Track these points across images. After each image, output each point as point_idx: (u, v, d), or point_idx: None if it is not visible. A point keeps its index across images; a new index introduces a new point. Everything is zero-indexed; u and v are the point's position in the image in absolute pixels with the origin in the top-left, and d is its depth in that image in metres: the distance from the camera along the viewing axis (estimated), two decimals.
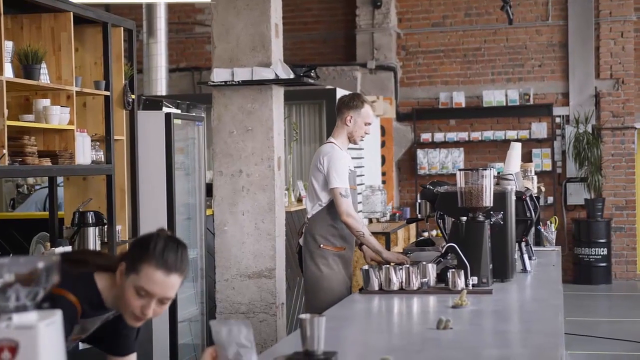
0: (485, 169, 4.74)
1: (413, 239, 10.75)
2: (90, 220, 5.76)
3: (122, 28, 6.26)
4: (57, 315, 1.88)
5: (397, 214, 11.20)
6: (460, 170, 4.79)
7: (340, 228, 5.48)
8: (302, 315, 2.94)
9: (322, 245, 5.51)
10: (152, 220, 6.56)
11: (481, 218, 4.71)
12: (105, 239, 5.96)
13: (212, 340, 2.56)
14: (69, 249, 5.61)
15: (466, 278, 4.52)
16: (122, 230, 6.21)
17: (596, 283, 12.84)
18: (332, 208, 5.45)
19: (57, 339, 1.88)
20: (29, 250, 6.10)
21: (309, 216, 5.60)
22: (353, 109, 5.57)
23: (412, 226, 11.49)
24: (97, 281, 2.87)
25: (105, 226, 5.94)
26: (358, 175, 10.65)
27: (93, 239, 5.76)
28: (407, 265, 4.60)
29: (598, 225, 12.93)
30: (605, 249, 12.91)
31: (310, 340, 2.93)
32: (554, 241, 6.82)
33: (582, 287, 12.69)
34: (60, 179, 6.46)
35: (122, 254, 2.89)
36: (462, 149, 13.57)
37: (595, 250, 12.88)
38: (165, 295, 2.78)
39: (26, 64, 5.12)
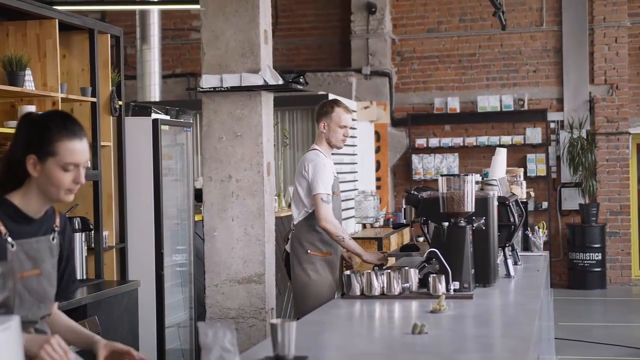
0: (467, 175, 4.74)
1: None
2: (77, 226, 5.76)
3: (109, 35, 6.28)
4: (13, 321, 1.90)
5: (392, 219, 11.20)
6: (442, 175, 4.79)
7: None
8: (273, 320, 2.98)
9: (309, 251, 5.55)
10: (140, 225, 6.59)
11: (463, 223, 4.71)
12: (92, 245, 5.98)
13: (199, 344, 2.60)
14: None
15: (447, 283, 4.52)
16: (109, 236, 6.22)
17: (591, 288, 12.83)
18: None
19: (13, 345, 1.90)
20: None
21: (295, 222, 5.64)
22: (324, 115, 5.64)
23: (406, 231, 11.50)
24: (10, 199, 2.97)
25: (92, 232, 5.96)
26: (352, 181, 10.74)
27: (79, 245, 5.76)
28: (389, 271, 4.61)
29: (592, 230, 12.93)
30: (600, 254, 12.91)
31: (281, 345, 2.96)
32: (542, 246, 6.83)
33: (576, 292, 12.69)
34: None
35: (21, 154, 2.94)
36: (457, 154, 13.57)
37: (589, 255, 12.88)
38: (86, 158, 2.98)
39: (10, 71, 5.14)
